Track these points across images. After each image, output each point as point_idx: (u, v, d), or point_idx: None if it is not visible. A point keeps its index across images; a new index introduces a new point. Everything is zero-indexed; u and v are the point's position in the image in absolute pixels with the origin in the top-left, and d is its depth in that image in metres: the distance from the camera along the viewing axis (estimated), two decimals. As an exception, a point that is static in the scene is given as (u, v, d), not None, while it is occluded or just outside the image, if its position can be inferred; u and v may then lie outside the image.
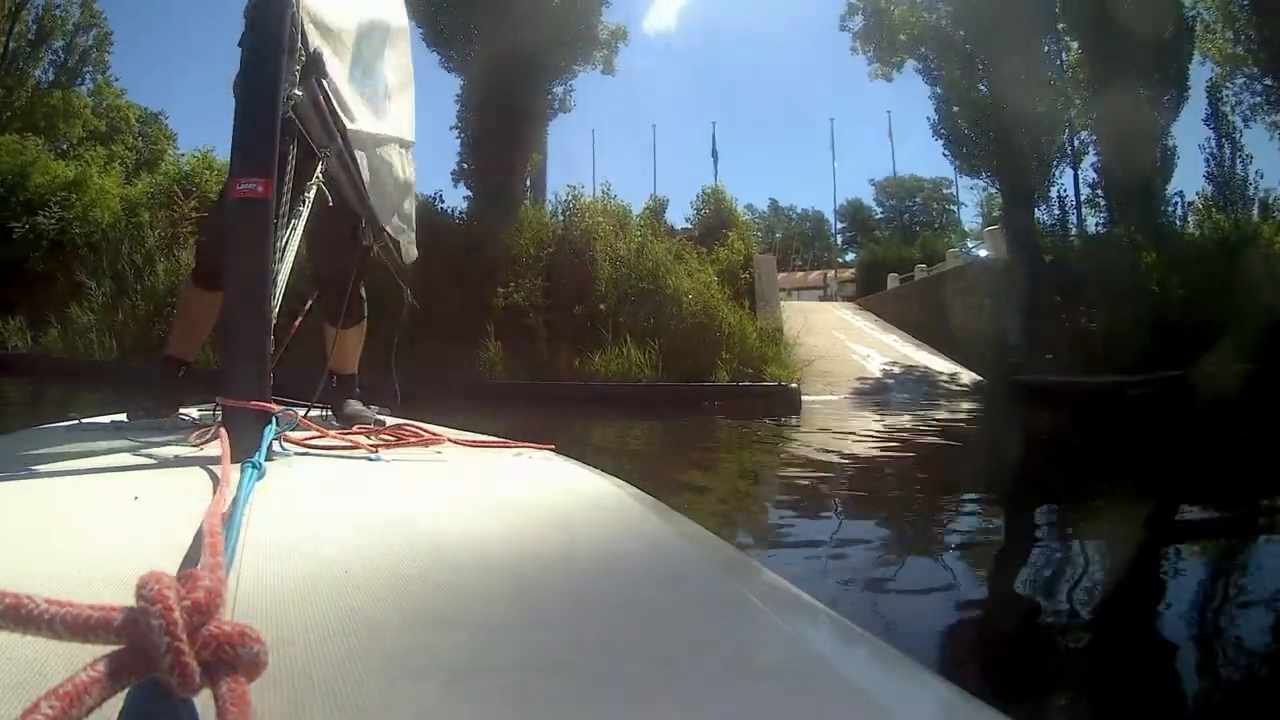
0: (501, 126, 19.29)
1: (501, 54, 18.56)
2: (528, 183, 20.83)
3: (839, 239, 54.61)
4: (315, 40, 1.98)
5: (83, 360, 16.38)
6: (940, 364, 19.25)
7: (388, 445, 1.90)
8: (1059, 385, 16.06)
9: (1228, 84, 26.46)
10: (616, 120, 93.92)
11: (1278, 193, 24.20)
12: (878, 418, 12.88)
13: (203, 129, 75.19)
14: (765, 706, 0.61)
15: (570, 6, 20.44)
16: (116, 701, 0.43)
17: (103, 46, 33.69)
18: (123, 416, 2.33)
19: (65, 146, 30.55)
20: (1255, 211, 23.45)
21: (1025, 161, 21.56)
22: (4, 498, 1.15)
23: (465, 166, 20.12)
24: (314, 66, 1.92)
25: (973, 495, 6.50)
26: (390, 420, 2.68)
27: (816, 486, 6.90)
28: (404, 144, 2.86)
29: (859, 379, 17.26)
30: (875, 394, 16.33)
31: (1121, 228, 20.85)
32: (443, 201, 19.48)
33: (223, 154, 17.86)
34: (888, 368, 18.51)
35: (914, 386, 17.16)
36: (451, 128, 20.74)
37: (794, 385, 14.65)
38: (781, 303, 19.92)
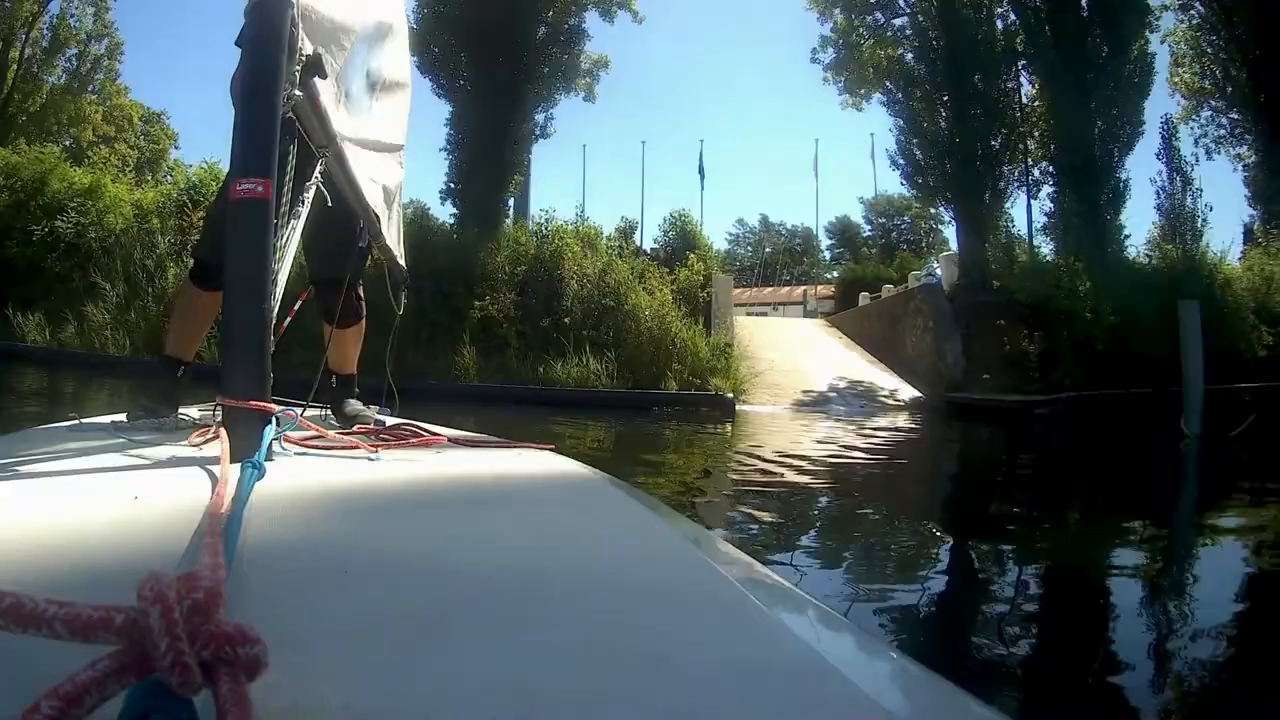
0: (485, 150, 21.76)
1: (487, 83, 21.06)
2: (510, 203, 23.33)
3: (827, 255, 57.12)
4: (309, 42, 2.01)
5: (98, 355, 18.54)
6: (886, 380, 21.33)
7: (388, 445, 1.94)
8: (981, 403, 18.02)
9: (1194, 117, 28.52)
10: (609, 138, 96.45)
11: (1247, 222, 26.19)
12: (804, 425, 15.14)
13: (203, 130, 76.81)
14: (765, 706, 0.62)
15: (553, 39, 22.96)
16: (116, 701, 0.44)
17: (114, 55, 35.45)
18: (123, 416, 2.41)
19: (72, 145, 32.39)
20: (1203, 243, 24.85)
21: (978, 192, 23.58)
22: (4, 498, 1.19)
23: (452, 186, 22.59)
24: (314, 67, 1.95)
25: (839, 488, 8.42)
26: (390, 420, 2.80)
27: (703, 469, 9.15)
28: (390, 148, 2.97)
29: (804, 391, 19.39)
30: (815, 405, 18.49)
31: (1064, 257, 22.75)
32: (430, 219, 21.79)
33: (227, 161, 20.30)
34: (834, 382, 20.54)
35: (854, 400, 19.27)
36: (440, 149, 23.07)
37: (729, 395, 16.98)
38: (754, 318, 22.06)
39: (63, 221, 22.28)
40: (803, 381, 20.12)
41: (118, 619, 0.43)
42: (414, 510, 1.36)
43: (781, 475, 8.85)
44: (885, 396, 20.01)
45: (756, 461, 9.99)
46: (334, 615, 0.74)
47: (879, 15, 25.90)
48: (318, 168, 2.35)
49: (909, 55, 25.37)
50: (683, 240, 22.46)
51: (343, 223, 2.89)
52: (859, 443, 12.58)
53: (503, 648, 0.69)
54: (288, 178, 1.95)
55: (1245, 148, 27.34)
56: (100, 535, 0.99)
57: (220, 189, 2.97)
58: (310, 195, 2.31)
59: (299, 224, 2.20)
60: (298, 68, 1.87)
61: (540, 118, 24.08)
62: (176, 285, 17.59)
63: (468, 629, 0.74)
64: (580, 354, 17.50)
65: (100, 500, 1.21)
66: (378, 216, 2.91)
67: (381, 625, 0.72)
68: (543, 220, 21.44)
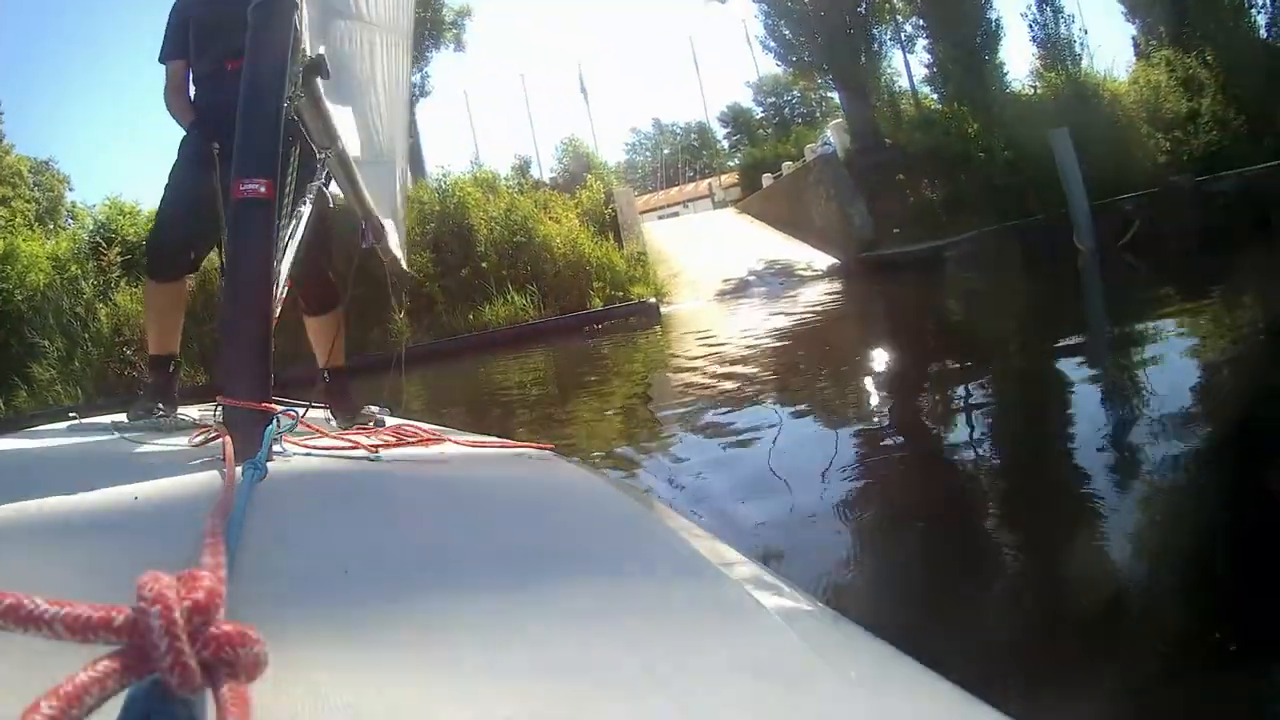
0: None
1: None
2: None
3: (726, 145, 57.39)
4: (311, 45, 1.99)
5: (56, 411, 18.46)
6: (801, 253, 22.17)
7: (388, 445, 1.94)
8: (894, 256, 18.90)
9: None
10: (490, 82, 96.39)
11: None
12: (728, 312, 16.15)
13: (93, 165, 74.94)
14: (765, 706, 0.63)
15: (411, -7, 22.86)
16: (116, 701, 0.43)
17: None
18: (123, 417, 2.42)
19: None
20: (1085, 65, 25.44)
21: (853, 57, 24.11)
22: (4, 498, 1.20)
23: (343, 158, 22.56)
24: (316, 69, 1.95)
25: (765, 360, 9.10)
26: (390, 420, 2.81)
27: (644, 376, 9.89)
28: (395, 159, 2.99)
29: (724, 281, 20.24)
30: (736, 292, 19.38)
31: (948, 104, 23.54)
32: (328, 194, 21.82)
33: (128, 197, 21.23)
34: (752, 266, 21.34)
35: (772, 279, 20.15)
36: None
37: (652, 300, 17.85)
38: (665, 221, 22.56)
39: None
40: (721, 272, 20.88)
41: (118, 619, 0.44)
42: (414, 510, 1.37)
43: (707, 362, 9.60)
44: (802, 269, 20.87)
45: (683, 357, 10.79)
46: (334, 615, 0.75)
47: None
48: (321, 169, 2.42)
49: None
50: (578, 164, 23.28)
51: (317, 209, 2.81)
52: (776, 315, 13.47)
53: (502, 648, 0.70)
54: (290, 178, 2.00)
55: None
56: (100, 535, 1.03)
57: (169, 180, 3.06)
58: (313, 195, 2.39)
59: (301, 225, 2.26)
60: (299, 69, 1.91)
61: (417, 78, 24.38)
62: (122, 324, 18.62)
63: (467, 629, 0.74)
64: (504, 294, 18.26)
65: (100, 500, 1.24)
66: (379, 218, 2.95)
67: (381, 625, 0.73)
68: (440, 177, 22.00)
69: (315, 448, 1.84)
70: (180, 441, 1.91)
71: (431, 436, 2.20)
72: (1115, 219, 14.67)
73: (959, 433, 4.94)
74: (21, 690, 0.43)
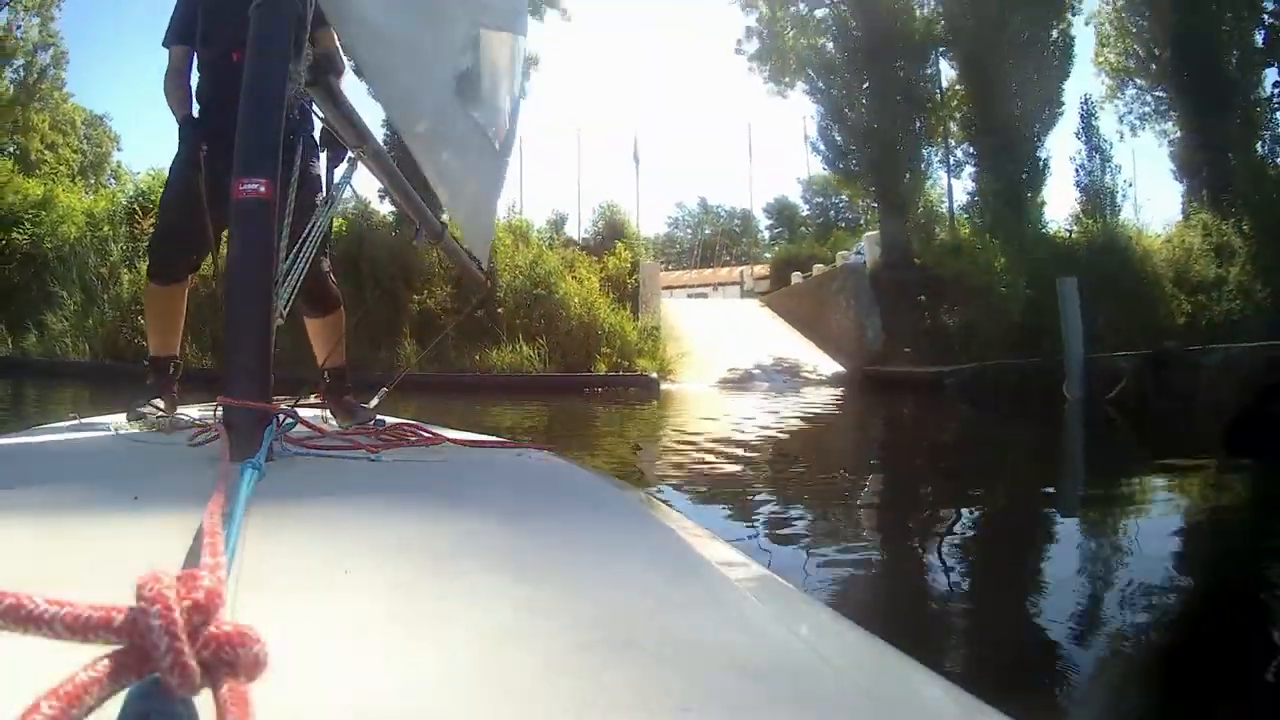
0: (420, 150, 22.49)
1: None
2: (447, 200, 24.10)
3: (767, 235, 58.48)
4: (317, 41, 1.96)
5: (61, 361, 19.58)
6: (811, 356, 22.69)
7: (388, 445, 1.98)
8: (897, 375, 19.42)
9: (1118, 95, 29.90)
10: (544, 131, 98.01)
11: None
12: (723, 402, 16.33)
13: (144, 132, 76.27)
14: (765, 706, 0.63)
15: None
16: (116, 701, 0.44)
17: (59, 64, 35.66)
18: (123, 417, 2.42)
19: (16, 152, 32.72)
20: (1122, 217, 26.33)
21: (898, 174, 24.94)
22: (4, 498, 1.21)
23: (389, 183, 23.32)
24: (326, 64, 1.94)
25: (729, 454, 8.92)
26: (390, 420, 2.77)
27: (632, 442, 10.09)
28: (486, 145, 2.79)
29: (730, 369, 20.76)
30: (739, 382, 19.89)
31: (979, 234, 24.26)
32: (371, 216, 22.74)
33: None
34: (761, 359, 21.81)
35: (777, 376, 20.64)
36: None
37: (654, 375, 18.46)
38: (690, 301, 23.33)
39: (18, 233, 23.09)
40: (729, 360, 21.36)
41: (118, 619, 0.43)
42: (414, 510, 1.37)
43: (692, 444, 9.73)
44: (809, 372, 21.34)
45: (669, 435, 10.98)
46: (334, 615, 0.75)
47: (802, 5, 26.97)
48: (345, 166, 2.39)
49: (830, 45, 26.56)
50: (612, 230, 24.12)
51: (308, 206, 2.75)
52: (771, 412, 13.80)
53: (502, 647, 0.70)
54: (293, 178, 1.97)
55: (1170, 123, 28.44)
56: (100, 535, 1.01)
57: (168, 180, 3.07)
58: (340, 195, 2.38)
59: (323, 224, 2.26)
60: (304, 67, 1.90)
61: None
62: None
63: (467, 629, 0.74)
64: (514, 341, 18.99)
65: (100, 500, 1.24)
66: (476, 216, 2.93)
67: (381, 625, 0.74)
68: (474, 216, 22.53)
69: (315, 448, 1.87)
70: (180, 441, 1.94)
71: (431, 436, 2.24)
72: (1108, 373, 15.10)
73: (900, 555, 4.90)
74: (21, 690, 0.43)
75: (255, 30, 1.74)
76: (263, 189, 1.63)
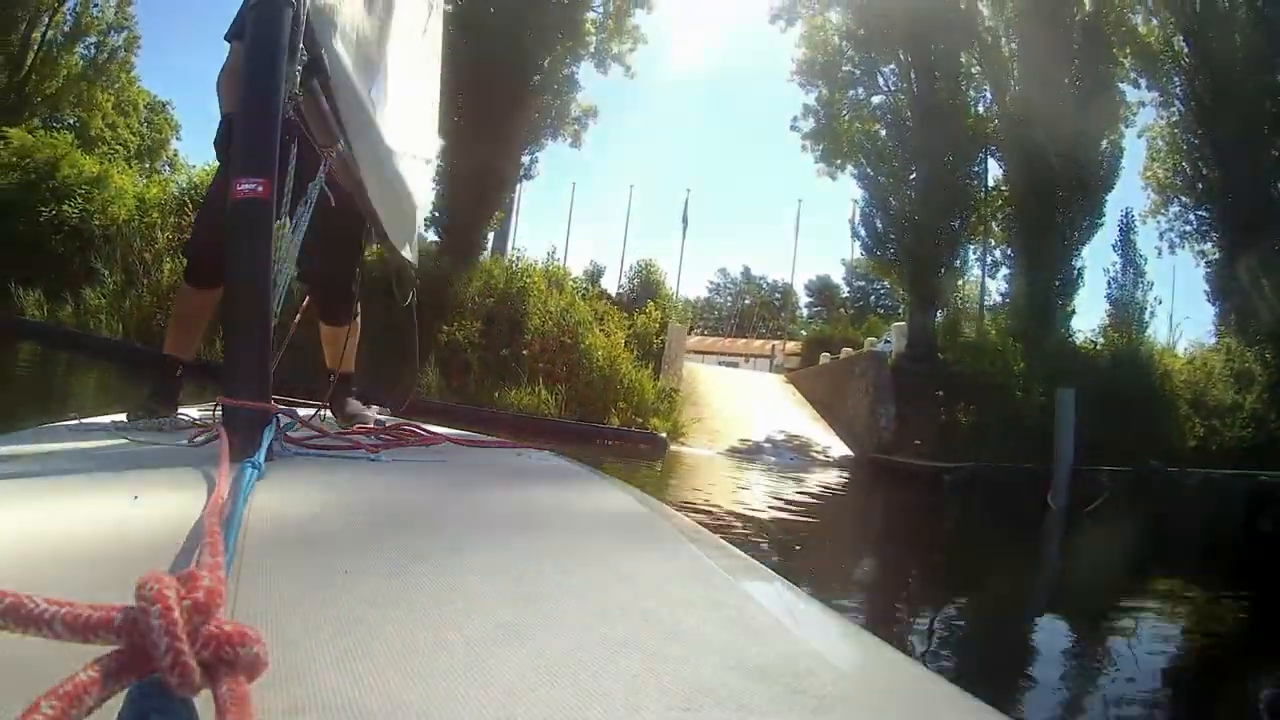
0: (471, 187, 23.59)
1: (480, 123, 22.93)
2: (490, 237, 25.43)
3: (805, 312, 59.08)
4: (337, 44, 2.06)
5: (93, 335, 20.08)
6: (823, 437, 22.91)
7: (388, 445, 2.00)
8: (901, 466, 19.63)
9: (1161, 212, 29.98)
10: (596, 181, 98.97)
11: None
12: (727, 470, 16.57)
13: (206, 124, 77.40)
14: (765, 706, 0.64)
15: (547, 86, 25.03)
16: (116, 702, 0.44)
17: (130, 48, 36.72)
18: (123, 416, 2.45)
19: (78, 125, 33.90)
20: (1150, 333, 26.50)
21: (933, 268, 25.32)
22: (5, 498, 1.20)
23: (436, 215, 24.37)
24: (316, 67, 1.98)
25: (741, 512, 9.73)
26: (390, 420, 2.78)
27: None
28: (415, 157, 2.88)
29: (740, 440, 21.04)
30: (748, 453, 20.13)
31: (1004, 337, 24.49)
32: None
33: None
34: (772, 434, 22.09)
35: (786, 452, 20.90)
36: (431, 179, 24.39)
37: (664, 436, 18.78)
38: (717, 368, 24.31)
39: (69, 206, 23.65)
40: (742, 430, 21.69)
41: (118, 619, 0.44)
42: (414, 510, 1.37)
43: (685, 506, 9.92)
44: (818, 452, 21.53)
45: (669, 493, 11.31)
46: (334, 615, 0.74)
47: (861, 89, 27.58)
48: (322, 167, 2.35)
49: (883, 131, 27.08)
50: (646, 288, 24.89)
51: (350, 222, 2.85)
52: (771, 487, 14.10)
53: (502, 647, 0.70)
54: (289, 178, 1.96)
55: (1210, 244, 28.52)
56: (100, 535, 1.02)
57: (211, 185, 3.02)
58: (314, 195, 2.30)
59: (303, 224, 2.22)
60: (299, 68, 1.90)
61: (526, 159, 26.03)
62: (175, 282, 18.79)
63: (467, 628, 0.74)
64: (535, 384, 19.46)
65: (100, 500, 1.24)
66: (403, 226, 2.92)
67: (381, 625, 0.73)
68: (515, 258, 23.78)
69: (315, 448, 1.88)
70: (180, 441, 1.94)
71: (431, 437, 2.25)
72: (1094, 484, 15.48)
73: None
74: (22, 690, 0.43)
75: (252, 30, 1.79)
76: (260, 189, 1.65)
